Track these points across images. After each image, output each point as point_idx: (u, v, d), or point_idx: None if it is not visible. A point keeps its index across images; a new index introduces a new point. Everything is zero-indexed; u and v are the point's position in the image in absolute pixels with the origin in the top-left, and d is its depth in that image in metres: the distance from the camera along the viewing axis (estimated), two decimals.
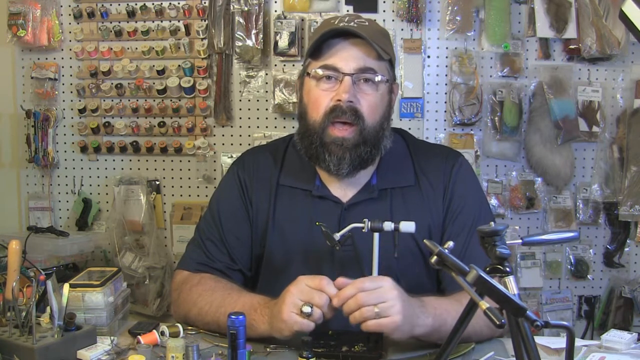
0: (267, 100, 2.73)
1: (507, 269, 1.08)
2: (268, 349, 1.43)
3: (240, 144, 2.75)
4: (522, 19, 2.68)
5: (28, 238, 2.31)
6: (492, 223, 1.13)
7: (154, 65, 2.73)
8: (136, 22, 2.75)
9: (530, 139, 2.67)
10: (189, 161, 2.79)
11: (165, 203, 2.83)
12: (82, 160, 2.84)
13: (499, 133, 2.66)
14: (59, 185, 2.86)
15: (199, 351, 1.34)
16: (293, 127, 2.62)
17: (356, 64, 1.55)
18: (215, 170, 2.78)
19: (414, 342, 1.41)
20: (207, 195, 2.75)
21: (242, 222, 1.70)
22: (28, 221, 2.84)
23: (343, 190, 1.66)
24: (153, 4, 2.72)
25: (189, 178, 2.80)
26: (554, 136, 2.64)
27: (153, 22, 2.74)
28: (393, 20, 2.67)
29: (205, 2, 2.69)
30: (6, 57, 2.83)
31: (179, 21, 2.73)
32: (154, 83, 2.74)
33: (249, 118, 2.76)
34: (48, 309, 1.37)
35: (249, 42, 2.66)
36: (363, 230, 1.46)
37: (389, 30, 2.65)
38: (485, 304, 0.97)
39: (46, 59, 2.80)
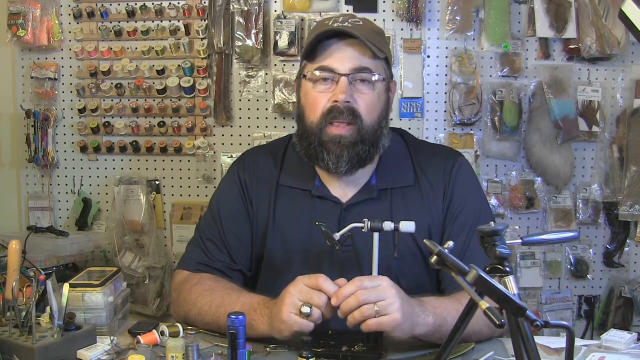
0: (267, 100, 2.73)
1: (507, 269, 1.08)
2: (268, 349, 1.43)
3: (240, 144, 2.75)
4: (522, 19, 2.68)
5: (28, 238, 2.31)
6: (492, 223, 1.13)
7: (154, 65, 2.73)
8: (136, 22, 2.75)
9: (530, 139, 2.67)
10: (189, 161, 2.79)
11: (165, 203, 2.83)
12: (82, 160, 2.84)
13: (499, 133, 2.67)
14: (59, 185, 2.86)
15: (199, 351, 1.34)
16: (293, 127, 2.62)
17: (352, 64, 1.55)
18: (215, 170, 2.78)
19: (414, 342, 1.41)
20: (207, 195, 2.75)
21: (243, 222, 1.71)
22: (28, 221, 2.84)
23: (343, 191, 1.66)
24: (153, 4, 2.72)
25: (189, 178, 2.80)
26: (554, 136, 2.64)
27: (153, 22, 2.75)
28: (393, 20, 2.67)
29: (205, 2, 2.69)
30: (6, 57, 2.83)
31: (179, 21, 2.73)
32: (154, 83, 2.74)
33: (249, 118, 2.76)
34: (48, 309, 1.37)
35: (249, 42, 2.66)
36: (363, 231, 1.46)
37: (389, 30, 2.66)
38: (485, 304, 0.97)
39: (46, 59, 2.80)
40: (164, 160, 2.81)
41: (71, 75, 2.80)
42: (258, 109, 2.75)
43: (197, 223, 1.82)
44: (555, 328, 1.04)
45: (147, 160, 2.82)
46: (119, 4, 2.74)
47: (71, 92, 2.80)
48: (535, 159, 2.67)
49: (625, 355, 1.34)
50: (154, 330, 1.45)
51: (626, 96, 2.68)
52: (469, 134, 2.70)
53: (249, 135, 2.75)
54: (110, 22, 2.75)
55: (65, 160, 2.85)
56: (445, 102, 2.71)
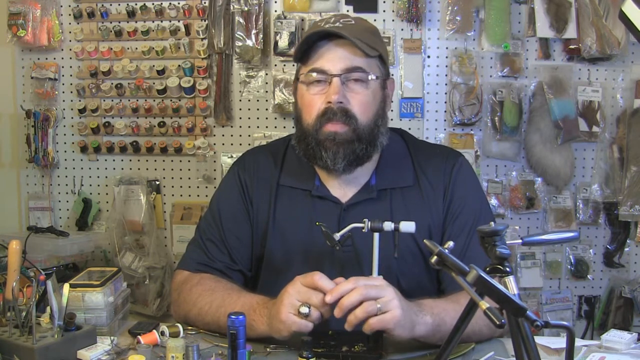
0: (267, 100, 2.73)
1: (507, 269, 1.08)
2: (268, 349, 1.43)
3: (240, 144, 2.75)
4: (522, 19, 2.68)
5: (28, 238, 2.31)
6: (492, 223, 1.13)
7: (154, 65, 2.73)
8: (136, 22, 2.75)
9: (530, 139, 2.67)
10: (189, 161, 2.79)
11: (165, 203, 2.83)
12: (82, 160, 2.84)
13: (499, 133, 2.67)
14: (59, 185, 2.86)
15: (199, 351, 1.34)
16: (293, 127, 2.60)
17: (343, 64, 1.56)
18: (215, 170, 2.78)
19: (414, 343, 1.41)
20: (207, 195, 2.75)
21: (243, 222, 1.71)
22: (28, 221, 2.84)
23: (342, 191, 1.66)
24: (153, 4, 2.72)
25: (189, 178, 2.80)
26: (554, 136, 2.64)
27: (153, 22, 2.75)
28: (393, 20, 2.67)
29: (205, 2, 2.69)
30: (6, 57, 2.83)
31: (179, 21, 2.73)
32: (154, 83, 2.74)
33: (249, 118, 2.76)
34: (48, 309, 1.37)
35: (249, 42, 2.66)
36: (363, 231, 1.46)
37: (389, 30, 2.66)
38: (485, 304, 0.97)
39: (46, 59, 2.80)
40: (164, 160, 2.81)
41: (71, 75, 2.80)
42: (258, 109, 2.75)
43: (197, 223, 1.82)
44: (555, 328, 1.04)
45: (147, 160, 2.82)
46: (119, 4, 2.74)
47: (71, 92, 2.80)
48: (535, 159, 2.67)
49: (625, 355, 1.34)
50: (154, 330, 1.45)
51: (626, 96, 2.68)
52: (469, 134, 2.70)
53: (249, 135, 2.75)
54: (110, 22, 2.75)
55: (65, 160, 2.85)
56: (445, 102, 2.71)
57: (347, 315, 1.32)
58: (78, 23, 2.77)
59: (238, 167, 1.77)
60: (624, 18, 1.60)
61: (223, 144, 2.77)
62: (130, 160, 2.82)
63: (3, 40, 2.74)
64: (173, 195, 2.82)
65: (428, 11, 2.67)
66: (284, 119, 2.73)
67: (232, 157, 2.72)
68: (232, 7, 2.65)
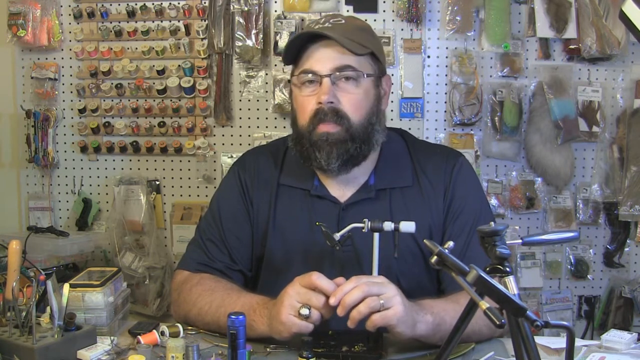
0: (267, 100, 2.73)
1: (507, 269, 1.08)
2: (268, 349, 1.43)
3: (240, 144, 2.75)
4: (522, 19, 2.68)
5: (28, 238, 2.31)
6: (492, 223, 1.13)
7: (154, 65, 2.73)
8: (136, 22, 2.75)
9: (530, 139, 2.67)
10: (189, 161, 2.80)
11: (165, 203, 2.83)
12: (82, 160, 2.84)
13: (499, 133, 2.67)
14: (59, 185, 2.86)
15: (199, 351, 1.34)
16: (291, 127, 2.62)
17: (332, 64, 1.55)
18: (215, 170, 2.78)
19: (414, 343, 1.41)
20: (207, 195, 2.75)
21: (243, 222, 1.71)
22: (28, 221, 2.84)
23: (341, 190, 1.66)
24: (153, 4, 2.72)
25: (189, 178, 2.80)
26: (554, 136, 2.64)
27: (153, 22, 2.75)
28: (393, 20, 2.67)
29: (205, 2, 2.69)
30: (6, 57, 2.83)
31: (179, 21, 2.73)
32: (154, 83, 2.74)
33: (249, 118, 2.76)
34: (48, 309, 1.37)
35: (249, 42, 2.66)
36: (363, 230, 1.46)
37: (389, 30, 2.66)
38: (485, 304, 0.97)
39: (46, 59, 2.80)
40: (164, 160, 2.81)
41: (71, 75, 2.80)
42: (258, 109, 2.75)
43: (197, 223, 1.82)
44: (555, 328, 1.04)
45: (147, 160, 2.82)
46: (119, 4, 2.74)
47: (71, 92, 2.80)
48: (535, 159, 2.67)
49: (625, 355, 1.34)
50: (154, 330, 1.45)
51: (626, 96, 2.68)
52: (469, 134, 2.70)
53: (249, 135, 2.75)
54: (110, 22, 2.75)
55: (65, 160, 2.85)
56: (445, 102, 2.71)
57: (349, 313, 1.31)
58: (78, 23, 2.77)
59: (238, 167, 1.77)
60: (624, 18, 1.60)
61: (223, 144, 2.77)
62: (130, 160, 2.82)
63: (3, 40, 2.74)
64: (173, 195, 2.82)
65: (428, 11, 2.67)
66: (284, 119, 2.73)
67: (232, 157, 2.72)
68: (232, 7, 2.65)
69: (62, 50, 2.80)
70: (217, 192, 1.80)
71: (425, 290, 1.62)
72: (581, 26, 2.62)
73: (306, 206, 1.67)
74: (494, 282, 1.00)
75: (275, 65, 2.70)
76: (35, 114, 2.76)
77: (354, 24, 1.64)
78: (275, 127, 2.75)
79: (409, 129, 2.17)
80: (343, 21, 1.61)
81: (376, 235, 1.45)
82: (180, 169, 2.81)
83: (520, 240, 1.22)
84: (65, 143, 2.84)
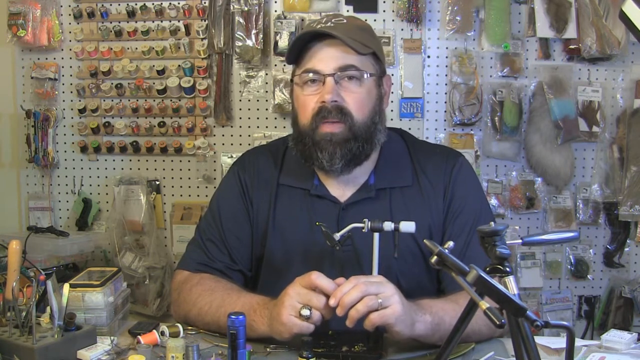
0: (267, 100, 2.73)
1: (507, 269, 1.08)
2: (268, 349, 1.43)
3: (240, 144, 2.75)
4: (522, 19, 2.68)
5: (28, 238, 2.31)
6: (492, 223, 1.13)
7: (154, 65, 2.73)
8: (136, 22, 2.75)
9: (530, 139, 2.67)
10: (189, 161, 2.80)
11: (165, 203, 2.83)
12: (82, 160, 2.84)
13: (499, 133, 2.67)
14: (59, 185, 2.86)
15: (199, 351, 1.34)
16: (291, 127, 2.62)
17: (335, 63, 1.56)
18: (215, 170, 2.78)
19: (414, 343, 1.41)
20: (207, 195, 2.75)
21: (243, 222, 1.71)
22: (28, 221, 2.84)
23: (341, 190, 1.66)
24: (153, 4, 2.72)
25: (189, 178, 2.81)
26: (554, 136, 2.64)
27: (153, 22, 2.75)
28: (393, 20, 2.67)
29: (205, 2, 2.69)
30: (6, 57, 2.83)
31: (179, 21, 2.73)
32: (154, 83, 2.74)
33: (249, 118, 2.76)
34: (48, 309, 1.37)
35: (249, 42, 2.66)
36: (363, 230, 1.46)
37: (389, 30, 2.66)
38: (485, 304, 0.97)
39: (46, 59, 2.80)
40: (164, 160, 2.81)
41: (71, 75, 2.80)
42: (258, 109, 2.75)
43: (197, 223, 1.82)
44: (555, 328, 1.04)
45: (147, 160, 2.82)
46: (119, 4, 2.74)
47: (71, 92, 2.80)
48: (535, 159, 2.67)
49: (625, 355, 1.34)
50: (154, 330, 1.45)
51: (626, 96, 2.68)
52: (469, 134, 2.70)
53: (249, 135, 2.75)
54: (110, 22, 2.75)
55: (65, 160, 2.85)
56: (445, 102, 2.71)
57: (349, 313, 1.31)
58: (78, 23, 2.77)
59: (238, 167, 1.77)
60: (624, 18, 1.60)
61: (223, 144, 2.77)
62: (130, 160, 2.82)
63: (3, 40, 2.74)
64: (173, 195, 2.82)
65: (428, 11, 2.67)
66: (284, 119, 2.73)
67: (232, 157, 2.72)
68: (232, 7, 2.65)
69: (62, 50, 2.80)
70: (217, 192, 1.80)
71: (425, 290, 1.62)
72: (581, 26, 2.62)
73: (306, 206, 1.67)
74: (494, 282, 1.00)
75: (275, 65, 2.70)
76: (35, 114, 2.76)
77: (355, 24, 1.64)
78: (275, 127, 2.75)
79: (409, 129, 2.17)
80: (345, 21, 1.61)
81: (376, 235, 1.45)
82: (180, 169, 2.81)
83: (520, 240, 1.22)
84: (65, 143, 2.84)
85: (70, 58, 2.80)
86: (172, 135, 2.77)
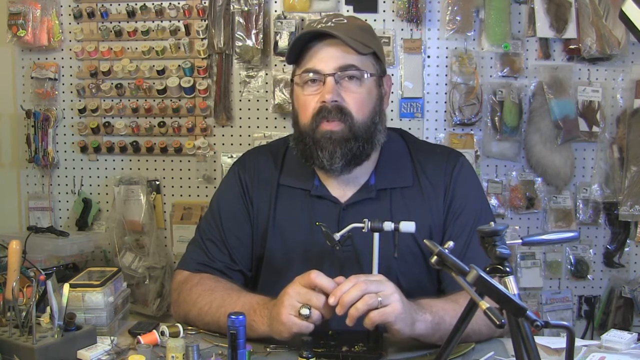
0: (267, 100, 2.73)
1: (507, 269, 1.08)
2: (268, 349, 1.43)
3: (240, 144, 2.75)
4: (522, 19, 2.68)
5: (28, 238, 2.31)
6: (492, 223, 1.13)
7: (154, 65, 2.73)
8: (136, 22, 2.75)
9: (530, 139, 2.67)
10: (189, 161, 2.80)
11: (165, 203, 2.83)
12: (82, 160, 2.84)
13: (499, 133, 2.67)
14: (59, 185, 2.86)
15: (199, 351, 1.34)
16: (292, 127, 2.62)
17: (336, 63, 1.56)
18: (215, 170, 2.78)
19: (414, 343, 1.41)
20: (207, 195, 2.75)
21: (243, 222, 1.71)
22: (28, 221, 2.84)
23: (342, 191, 1.66)
24: (153, 4, 2.72)
25: (189, 178, 2.80)
26: (554, 136, 2.64)
27: (153, 22, 2.75)
28: (393, 20, 2.67)
29: (205, 2, 2.69)
30: (6, 57, 2.83)
31: (179, 21, 2.73)
32: (154, 83, 2.74)
33: (249, 118, 2.76)
34: (48, 309, 1.37)
35: (249, 42, 2.66)
36: (363, 231, 1.46)
37: (389, 30, 2.66)
38: (485, 304, 0.97)
39: (46, 59, 2.80)
40: (164, 160, 2.81)
41: (71, 75, 2.80)
42: (258, 109, 2.75)
43: (197, 223, 1.82)
44: (555, 328, 1.04)
45: (147, 160, 2.82)
46: (119, 4, 2.74)
47: (71, 92, 2.80)
48: (535, 159, 2.67)
49: (625, 355, 1.34)
50: (154, 330, 1.45)
51: (626, 96, 2.68)
52: (469, 134, 2.70)
53: (249, 135, 2.75)
54: (110, 22, 2.75)
55: (65, 160, 2.85)
56: (445, 102, 2.71)
57: (349, 311, 1.31)
58: (78, 23, 2.77)
59: (238, 167, 1.77)
60: (624, 18, 1.60)
61: (223, 144, 2.77)
62: (130, 160, 2.82)
63: (3, 40, 2.74)
64: (173, 195, 2.82)
65: (428, 11, 2.67)
66: (284, 119, 2.73)
67: (232, 157, 2.72)
68: (232, 7, 2.66)
69: (62, 50, 2.80)
70: (217, 192, 1.80)
71: (425, 290, 1.62)
72: (581, 26, 2.62)
73: (306, 206, 1.67)
74: (494, 282, 1.00)
75: (275, 65, 2.70)
76: (35, 114, 2.77)
77: (355, 24, 1.64)
78: (275, 127, 2.75)
79: (409, 129, 2.17)
80: (345, 21, 1.61)
81: (376, 235, 1.45)
82: (180, 169, 2.81)
83: (520, 240, 1.22)
84: (65, 143, 2.84)
85: (70, 58, 2.80)
86: (172, 135, 2.77)
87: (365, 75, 1.58)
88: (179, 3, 2.72)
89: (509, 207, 2.73)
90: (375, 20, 2.65)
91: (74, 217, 2.84)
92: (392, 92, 2.18)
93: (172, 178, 2.82)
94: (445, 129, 2.72)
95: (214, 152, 2.76)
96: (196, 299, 1.57)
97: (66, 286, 1.38)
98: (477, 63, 2.66)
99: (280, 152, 1.76)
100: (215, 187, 2.28)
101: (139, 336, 1.42)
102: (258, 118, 2.75)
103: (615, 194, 2.68)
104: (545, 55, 2.68)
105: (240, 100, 2.75)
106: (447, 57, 2.69)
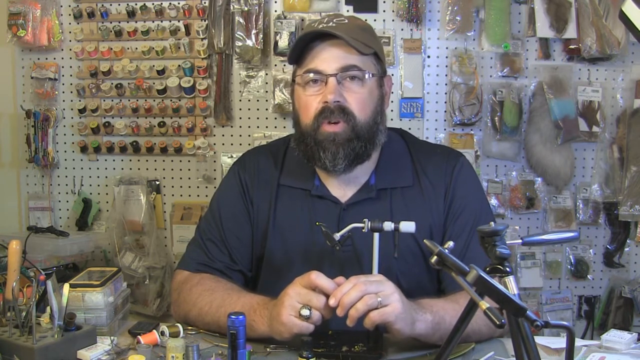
0: (267, 100, 2.73)
1: (507, 269, 1.08)
2: (268, 349, 1.43)
3: (240, 144, 2.75)
4: (522, 19, 2.68)
5: (28, 238, 2.31)
6: (492, 223, 1.13)
7: (154, 65, 2.73)
8: (136, 22, 2.75)
9: (530, 139, 2.67)
10: (189, 161, 2.80)
11: (165, 203, 2.83)
12: (82, 160, 2.84)
13: (499, 133, 2.67)
14: (59, 185, 2.86)
15: (199, 351, 1.34)
16: (293, 127, 2.62)
17: (338, 63, 1.56)
18: (215, 170, 2.78)
19: (414, 343, 1.41)
20: (207, 195, 2.75)
21: (243, 222, 1.71)
22: (28, 221, 2.84)
23: (342, 190, 1.66)
24: (153, 4, 2.72)
25: (189, 178, 2.81)
26: (554, 136, 2.64)
27: (153, 22, 2.75)
28: (393, 20, 2.67)
29: (205, 2, 2.69)
30: (6, 57, 2.83)
31: (179, 21, 2.73)
32: (154, 83, 2.74)
33: (249, 118, 2.76)
34: (48, 309, 1.37)
35: (249, 42, 2.66)
36: (363, 230, 1.46)
37: (389, 30, 2.66)
38: (485, 304, 0.97)
39: (46, 59, 2.80)
40: (164, 160, 2.81)
41: (71, 75, 2.80)
42: (258, 109, 2.75)
43: (197, 223, 1.82)
44: (555, 328, 1.04)
45: (147, 160, 2.82)
46: (119, 4, 2.74)
47: (71, 92, 2.80)
48: (535, 159, 2.67)
49: (625, 355, 1.35)
50: (154, 330, 1.45)
51: (626, 96, 2.68)
52: (469, 134, 2.70)
53: (249, 135, 2.75)
54: (110, 22, 2.75)
55: (65, 160, 2.85)
56: (445, 102, 2.71)
57: (349, 312, 1.31)
58: (78, 23, 2.77)
59: (238, 167, 1.77)
60: (624, 18, 1.60)
61: (223, 144, 2.77)
62: (130, 160, 2.82)
63: (3, 40, 2.74)
64: (173, 195, 2.82)
65: (428, 11, 2.67)
66: (284, 119, 2.73)
67: (232, 157, 2.72)
68: (232, 7, 2.65)
69: (62, 50, 2.80)
70: (217, 192, 1.80)
71: (425, 290, 1.62)
72: (581, 26, 2.62)
73: (306, 206, 1.67)
74: (494, 282, 1.00)
75: (275, 65, 2.70)
76: (35, 114, 2.77)
77: (356, 24, 1.64)
78: (275, 127, 2.75)
79: (409, 129, 2.17)
80: (346, 21, 1.61)
81: (376, 235, 1.45)
82: (180, 169, 2.81)
83: (520, 240, 1.22)
84: (65, 143, 2.84)
85: (70, 58, 2.80)
86: (172, 135, 2.77)
87: (367, 76, 1.58)
88: (179, 3, 2.72)
89: (509, 207, 2.73)
90: (375, 20, 2.65)
91: (74, 217, 2.84)
92: (392, 92, 2.18)
93: (172, 178, 2.82)
94: (445, 129, 2.72)
95: (214, 152, 2.76)
96: (196, 299, 1.57)
97: (66, 286, 1.38)
98: (477, 63, 2.66)
99: (280, 152, 1.76)
100: (215, 187, 2.28)
101: (139, 336, 1.42)
102: (258, 118, 2.75)
103: (615, 194, 2.68)
104: (545, 55, 2.68)
105: (240, 100, 2.75)
106: (447, 57, 2.69)
